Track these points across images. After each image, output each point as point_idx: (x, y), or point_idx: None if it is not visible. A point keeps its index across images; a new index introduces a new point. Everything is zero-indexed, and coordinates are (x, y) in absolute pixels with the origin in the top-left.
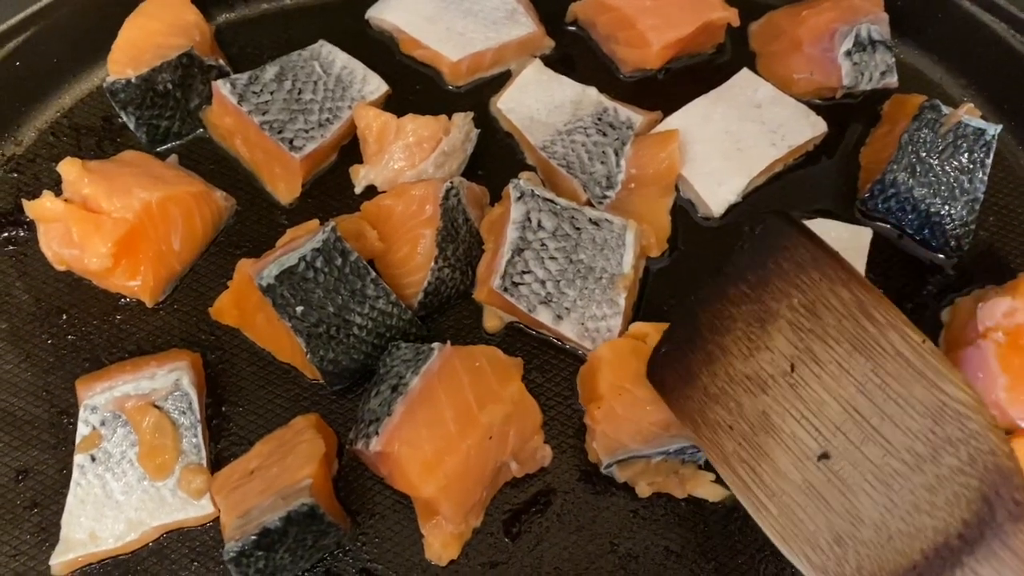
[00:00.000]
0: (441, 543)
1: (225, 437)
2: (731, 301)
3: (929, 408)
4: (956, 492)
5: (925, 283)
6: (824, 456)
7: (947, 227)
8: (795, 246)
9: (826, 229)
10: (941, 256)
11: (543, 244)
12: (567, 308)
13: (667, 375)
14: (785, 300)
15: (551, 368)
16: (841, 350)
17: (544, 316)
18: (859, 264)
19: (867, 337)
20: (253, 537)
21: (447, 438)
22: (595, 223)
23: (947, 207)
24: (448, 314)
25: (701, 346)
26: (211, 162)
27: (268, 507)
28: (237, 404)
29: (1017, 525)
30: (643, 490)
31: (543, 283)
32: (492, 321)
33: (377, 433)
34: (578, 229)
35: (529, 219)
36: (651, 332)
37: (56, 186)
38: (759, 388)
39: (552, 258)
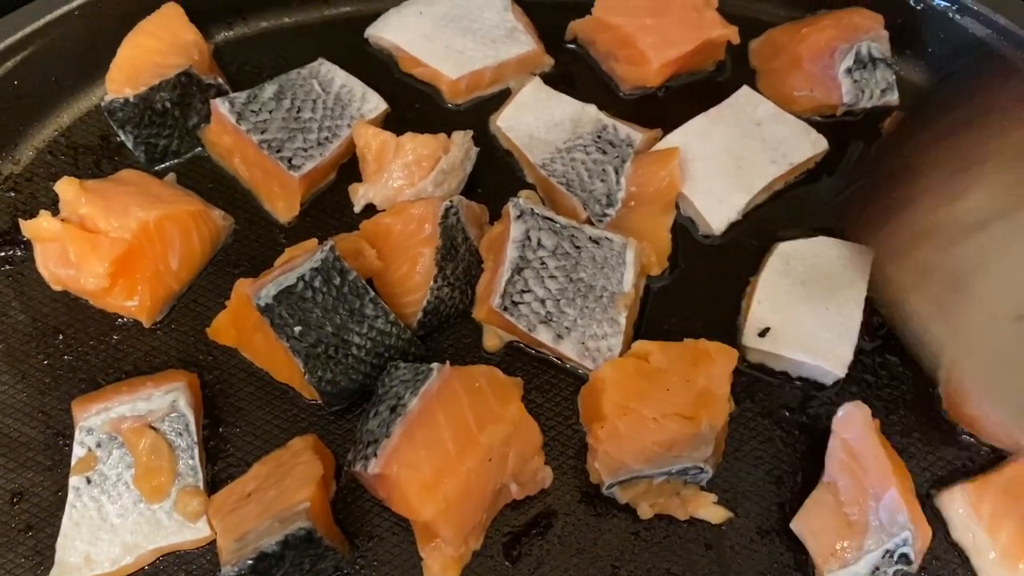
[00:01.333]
0: (441, 566)
1: (222, 458)
2: (936, 134)
3: None
4: None
5: None
6: (1021, 318)
7: None
8: (1007, 77)
9: (827, 247)
10: None
11: (543, 263)
12: (567, 327)
13: (867, 213)
14: (994, 141)
15: (551, 388)
16: None
17: (544, 336)
18: (860, 283)
19: None
20: (250, 561)
21: (446, 460)
22: (595, 241)
23: None
24: (447, 333)
25: (904, 181)
26: (209, 181)
27: (265, 530)
28: (234, 425)
29: None
30: (645, 512)
31: (543, 302)
32: (492, 340)
33: (376, 455)
34: (578, 248)
35: (529, 238)
36: (653, 350)
37: (53, 205)
38: (962, 234)
39: (552, 277)
